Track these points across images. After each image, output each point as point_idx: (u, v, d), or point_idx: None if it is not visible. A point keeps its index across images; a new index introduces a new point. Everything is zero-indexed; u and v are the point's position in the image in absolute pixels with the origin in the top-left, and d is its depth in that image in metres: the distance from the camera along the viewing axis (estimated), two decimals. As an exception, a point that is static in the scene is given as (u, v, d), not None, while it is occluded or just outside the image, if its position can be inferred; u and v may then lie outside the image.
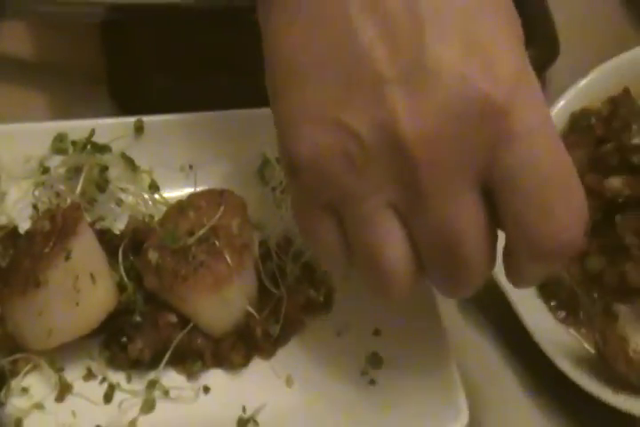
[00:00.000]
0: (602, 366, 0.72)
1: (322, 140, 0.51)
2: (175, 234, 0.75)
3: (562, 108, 0.79)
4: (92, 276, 0.72)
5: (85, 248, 0.73)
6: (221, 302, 0.73)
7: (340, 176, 0.51)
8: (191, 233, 0.75)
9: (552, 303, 0.76)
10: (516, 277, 0.59)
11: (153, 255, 0.75)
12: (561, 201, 0.51)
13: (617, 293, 0.75)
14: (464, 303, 0.83)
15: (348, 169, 0.51)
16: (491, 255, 0.56)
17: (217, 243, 0.74)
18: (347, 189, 0.52)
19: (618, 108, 0.77)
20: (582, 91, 0.80)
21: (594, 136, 0.77)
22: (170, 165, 0.85)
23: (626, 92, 0.78)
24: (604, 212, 0.74)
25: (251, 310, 0.74)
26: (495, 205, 0.53)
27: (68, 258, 0.71)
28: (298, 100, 0.55)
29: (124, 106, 0.94)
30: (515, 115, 0.49)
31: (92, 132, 0.83)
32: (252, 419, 0.70)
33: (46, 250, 0.72)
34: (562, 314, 0.76)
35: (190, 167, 0.85)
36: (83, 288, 0.71)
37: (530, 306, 0.75)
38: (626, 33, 1.06)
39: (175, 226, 0.76)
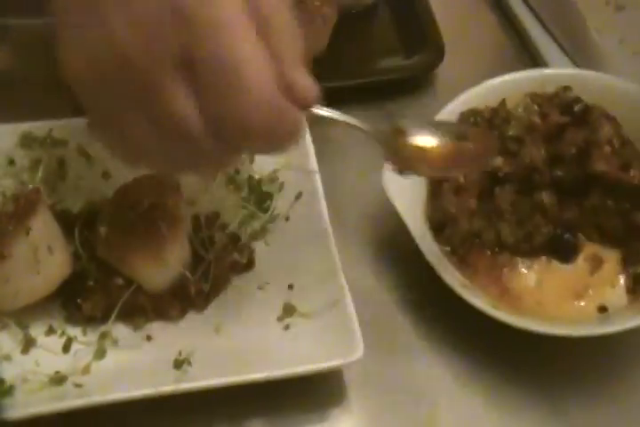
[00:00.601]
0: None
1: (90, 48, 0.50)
2: (120, 211, 0.73)
3: (453, 107, 0.82)
4: (49, 248, 0.71)
5: (43, 225, 0.71)
6: (160, 266, 0.72)
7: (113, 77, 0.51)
8: (133, 210, 0.73)
9: (446, 249, 0.76)
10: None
11: (103, 229, 0.73)
12: (237, 89, 0.51)
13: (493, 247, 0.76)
14: (370, 253, 0.82)
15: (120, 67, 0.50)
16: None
17: (155, 217, 0.72)
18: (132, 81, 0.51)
19: (497, 111, 0.81)
20: (470, 97, 0.83)
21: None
22: None
23: (502, 102, 0.82)
24: (488, 184, 0.78)
25: (185, 271, 0.72)
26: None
27: (28, 233, 0.69)
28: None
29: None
30: (201, 16, 0.49)
31: (51, 130, 0.81)
32: (187, 360, 0.68)
33: (10, 228, 0.70)
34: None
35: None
36: (42, 258, 0.70)
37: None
38: (498, 36, 1.05)
39: (121, 204, 0.74)
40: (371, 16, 1.08)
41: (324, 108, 0.61)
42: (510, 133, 0.80)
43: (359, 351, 0.65)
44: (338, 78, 0.98)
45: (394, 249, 0.82)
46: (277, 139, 0.56)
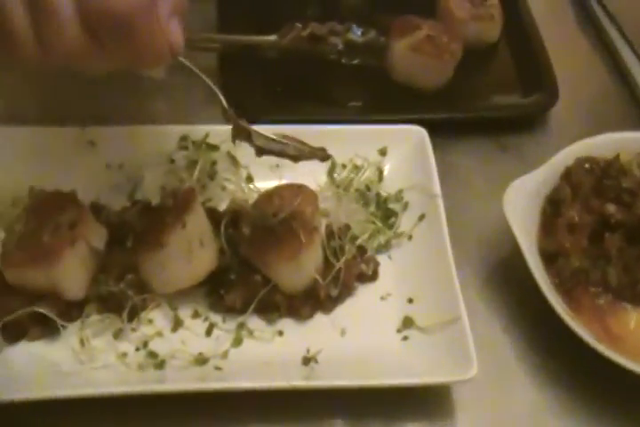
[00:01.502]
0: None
1: None
2: (264, 215, 0.76)
3: (570, 151, 0.84)
4: (201, 241, 0.74)
5: (197, 220, 0.75)
6: (295, 269, 0.74)
7: None
8: (275, 215, 0.76)
9: (555, 280, 0.77)
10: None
11: (246, 230, 0.76)
12: None
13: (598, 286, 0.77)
14: (483, 275, 0.83)
15: None
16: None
17: (293, 224, 0.75)
18: None
19: (612, 163, 0.83)
20: (587, 145, 0.84)
21: (595, 175, 0.82)
22: (263, 164, 0.85)
23: (617, 156, 0.83)
24: (600, 228, 0.79)
25: (317, 276, 0.74)
26: None
27: (184, 227, 0.72)
28: None
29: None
30: None
31: (207, 135, 0.84)
32: (314, 358, 0.70)
33: (168, 220, 0.73)
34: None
35: (277, 166, 0.85)
36: (194, 250, 0.73)
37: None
38: (609, 85, 1.06)
39: (264, 209, 0.77)
40: (492, 54, 1.08)
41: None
42: (625, 186, 0.81)
43: (473, 370, 0.67)
44: (458, 110, 1.00)
45: (506, 273, 0.83)
46: (142, 45, 0.55)
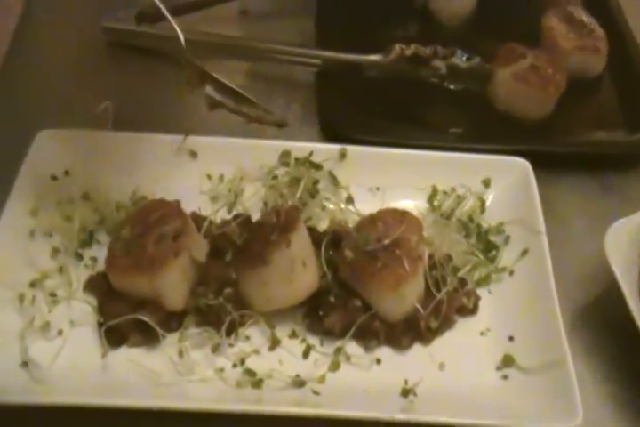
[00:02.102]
0: None
1: None
2: (367, 239, 0.75)
3: None
4: (303, 262, 0.74)
5: (301, 240, 0.75)
6: (397, 298, 0.74)
7: None
8: (379, 240, 0.76)
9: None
10: None
11: (349, 253, 0.76)
12: None
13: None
14: (585, 319, 0.81)
15: None
16: None
17: (398, 251, 0.74)
18: None
19: None
20: None
21: None
22: (363, 185, 0.85)
23: None
24: None
25: (418, 306, 0.74)
26: None
27: (288, 246, 0.72)
28: None
29: (328, 134, 0.95)
30: None
31: (311, 153, 0.84)
32: (413, 391, 0.70)
33: (272, 238, 0.73)
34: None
35: (377, 189, 0.85)
36: (297, 270, 0.73)
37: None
38: None
39: (368, 233, 0.76)
40: (596, 87, 1.07)
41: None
42: None
43: (578, 418, 0.66)
44: (559, 144, 0.99)
45: (604, 313, 0.81)
46: None
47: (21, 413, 0.66)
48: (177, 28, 0.69)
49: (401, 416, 0.65)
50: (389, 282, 0.72)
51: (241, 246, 0.76)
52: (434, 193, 0.86)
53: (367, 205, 0.84)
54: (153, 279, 0.70)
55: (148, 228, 0.73)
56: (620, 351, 0.78)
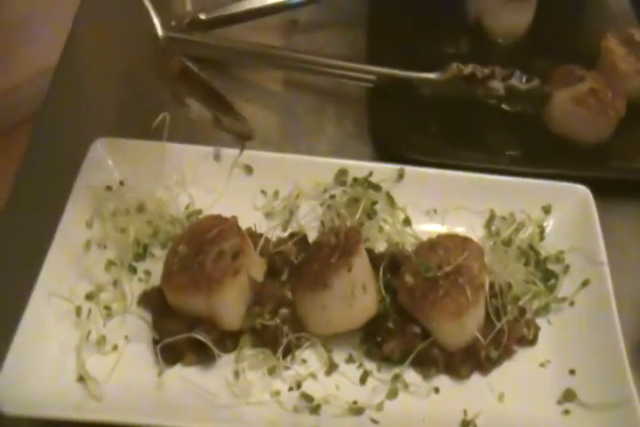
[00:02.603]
0: None
1: None
2: (428, 265, 0.74)
3: None
4: (363, 286, 0.73)
5: (362, 264, 0.74)
6: (458, 326, 0.72)
7: None
8: (440, 266, 0.75)
9: None
10: None
11: (409, 278, 0.75)
12: None
13: None
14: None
15: None
16: None
17: (460, 279, 0.73)
18: None
19: None
20: None
21: None
22: (420, 208, 0.85)
23: None
24: None
25: (478, 335, 0.73)
26: None
27: (350, 270, 0.71)
28: None
29: (381, 153, 0.94)
30: None
31: (370, 174, 0.83)
32: (473, 423, 0.69)
33: (333, 260, 0.73)
34: None
35: (435, 211, 0.84)
36: (357, 295, 0.72)
37: None
38: None
39: (428, 259, 0.75)
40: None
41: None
42: None
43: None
44: (617, 170, 0.98)
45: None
46: None
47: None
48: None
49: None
50: (451, 310, 0.71)
51: (298, 267, 0.75)
52: (491, 218, 0.84)
53: (424, 228, 0.83)
54: (210, 298, 0.69)
55: (206, 245, 0.72)
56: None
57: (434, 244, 0.76)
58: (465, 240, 0.76)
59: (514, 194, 0.85)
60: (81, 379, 0.67)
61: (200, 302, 0.70)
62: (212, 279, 0.69)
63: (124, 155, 0.81)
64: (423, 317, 0.72)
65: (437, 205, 0.84)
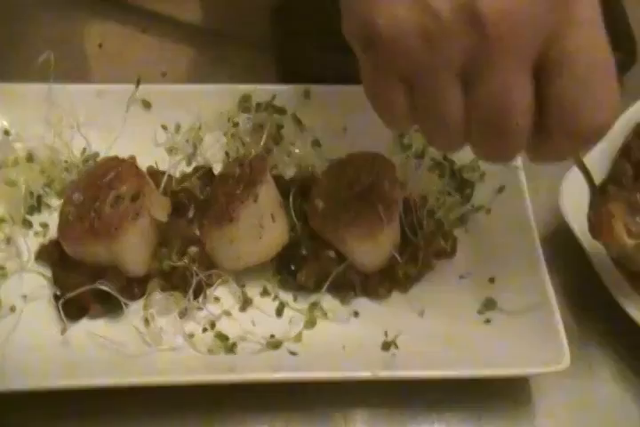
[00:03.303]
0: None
1: (401, 14, 0.44)
2: (338, 186, 0.71)
3: (629, 116, 0.76)
4: (272, 216, 0.69)
5: (268, 193, 0.70)
6: (373, 247, 0.69)
7: (415, 50, 0.45)
8: (350, 187, 0.71)
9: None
10: (538, 153, 0.52)
11: (319, 202, 0.71)
12: (603, 86, 0.46)
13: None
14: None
15: (425, 44, 0.44)
16: (528, 131, 0.48)
17: (371, 197, 0.70)
18: (420, 62, 0.46)
19: None
20: None
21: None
22: (329, 128, 0.80)
23: None
24: None
25: (395, 254, 0.70)
26: (542, 85, 0.46)
27: (256, 200, 0.67)
28: None
29: (286, 73, 0.88)
30: (578, 5, 0.45)
31: (274, 97, 0.79)
32: (394, 343, 0.66)
33: (237, 192, 0.69)
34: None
35: (344, 130, 0.80)
36: (265, 225, 0.69)
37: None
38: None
39: (338, 179, 0.72)
40: None
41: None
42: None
43: (565, 361, 0.63)
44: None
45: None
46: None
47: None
48: None
49: (383, 374, 0.61)
50: (365, 232, 0.68)
51: (204, 202, 0.72)
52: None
53: (335, 149, 0.78)
54: (111, 245, 0.65)
55: (102, 189, 0.68)
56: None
57: (343, 163, 0.73)
58: (374, 157, 0.72)
59: None
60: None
61: (101, 252, 0.66)
62: (110, 225, 0.65)
63: (5, 100, 0.75)
64: (337, 241, 0.69)
65: (347, 123, 0.79)
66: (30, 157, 0.74)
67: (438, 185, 0.77)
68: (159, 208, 0.70)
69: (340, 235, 0.69)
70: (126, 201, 0.67)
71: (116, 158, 0.71)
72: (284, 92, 0.79)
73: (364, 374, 0.62)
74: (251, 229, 0.67)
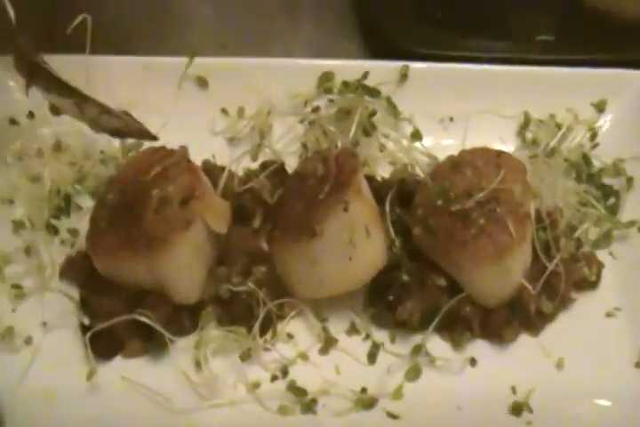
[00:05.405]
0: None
1: None
2: (451, 193, 0.54)
3: None
4: (366, 229, 0.54)
5: (362, 200, 0.54)
6: (501, 273, 0.54)
7: None
8: (468, 194, 0.55)
9: None
10: None
11: (426, 212, 0.56)
12: None
13: None
14: None
15: None
16: None
17: (498, 209, 0.54)
18: None
19: None
20: None
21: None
22: (431, 115, 0.65)
23: None
24: None
25: (525, 283, 0.53)
26: None
27: (346, 209, 0.52)
28: None
29: (376, 49, 0.73)
30: None
31: (366, 75, 0.64)
32: (527, 405, 0.50)
33: (321, 196, 0.54)
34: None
35: (451, 120, 0.64)
36: (358, 242, 0.53)
37: None
38: None
39: (451, 183, 0.55)
40: None
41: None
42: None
43: None
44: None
45: None
46: None
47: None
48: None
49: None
50: (489, 252, 0.53)
51: (275, 208, 0.57)
52: (526, 122, 0.66)
53: (439, 143, 0.64)
54: (154, 263, 0.51)
55: (144, 189, 0.52)
56: None
57: (457, 163, 0.58)
58: (499, 155, 0.58)
59: (553, 89, 0.66)
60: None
61: (141, 270, 0.52)
62: (153, 237, 0.49)
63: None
64: (449, 264, 0.55)
65: (454, 110, 0.65)
66: (58, 146, 0.61)
67: (575, 194, 0.60)
68: (217, 215, 0.54)
69: (454, 257, 0.54)
70: (175, 205, 0.52)
71: (163, 149, 0.56)
72: (376, 70, 0.65)
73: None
74: (339, 246, 0.52)
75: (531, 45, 0.76)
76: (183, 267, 0.53)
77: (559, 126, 0.66)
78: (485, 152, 0.59)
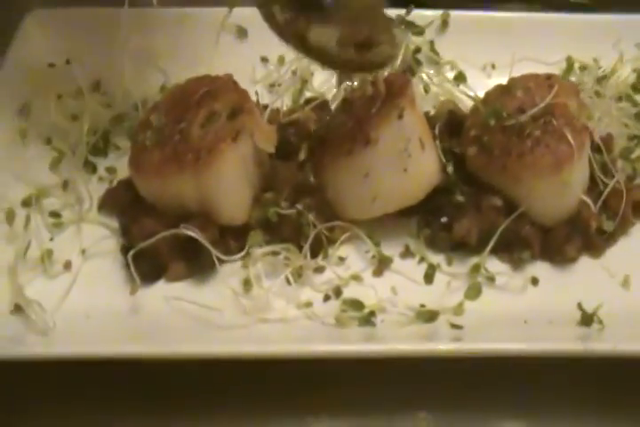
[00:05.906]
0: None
1: None
2: (502, 111, 0.52)
3: None
4: (421, 141, 0.52)
5: (415, 111, 0.53)
6: (560, 186, 0.52)
7: None
8: (521, 110, 0.54)
9: None
10: None
11: (479, 133, 0.54)
12: None
13: None
14: None
15: None
16: None
17: (554, 121, 0.52)
18: None
19: None
20: None
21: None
22: (472, 62, 0.66)
23: None
24: None
25: (586, 199, 0.51)
26: None
27: (400, 117, 0.51)
28: None
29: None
30: None
31: (409, 11, 0.64)
32: (597, 316, 0.47)
33: (373, 110, 0.52)
34: None
35: (493, 67, 0.65)
36: (413, 153, 0.52)
37: None
38: None
39: (502, 105, 0.54)
40: None
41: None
42: None
43: None
44: None
45: None
46: None
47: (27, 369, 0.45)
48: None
49: (604, 346, 0.42)
50: (547, 164, 0.51)
51: (321, 138, 0.54)
52: (569, 67, 0.66)
53: (482, 89, 0.61)
54: (201, 178, 0.48)
55: (190, 108, 0.51)
56: None
57: (507, 87, 0.57)
58: (550, 77, 0.57)
59: (597, 33, 0.66)
60: (18, 309, 0.47)
61: (187, 188, 0.50)
62: (200, 149, 0.48)
63: (69, 25, 0.61)
64: (506, 180, 0.53)
65: (496, 57, 0.64)
66: (97, 86, 0.60)
67: (625, 123, 0.59)
68: (264, 133, 0.52)
69: (511, 170, 0.52)
70: (222, 118, 0.50)
71: (208, 77, 0.55)
72: (416, 18, 0.65)
73: (573, 346, 0.42)
74: (393, 155, 0.51)
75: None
76: (230, 183, 0.51)
77: (601, 70, 0.65)
78: (535, 76, 0.58)
